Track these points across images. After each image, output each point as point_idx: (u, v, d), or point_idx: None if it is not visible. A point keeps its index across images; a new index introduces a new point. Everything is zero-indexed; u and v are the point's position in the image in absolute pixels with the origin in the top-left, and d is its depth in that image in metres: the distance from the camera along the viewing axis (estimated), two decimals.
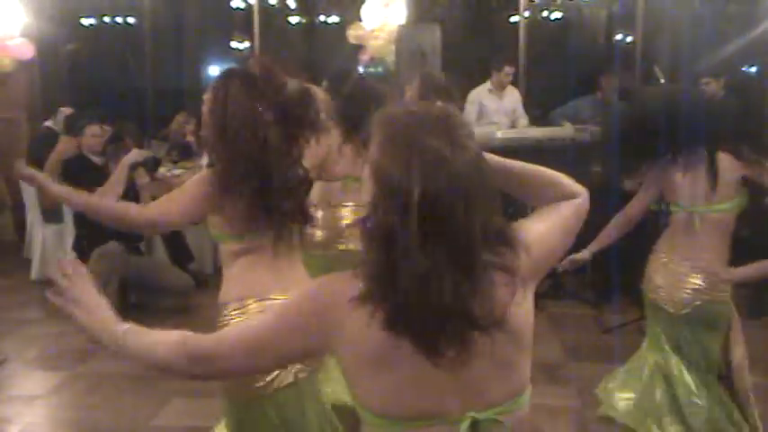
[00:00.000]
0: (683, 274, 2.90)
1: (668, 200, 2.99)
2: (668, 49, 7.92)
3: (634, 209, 3.03)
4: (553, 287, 5.79)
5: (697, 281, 2.89)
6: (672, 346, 2.99)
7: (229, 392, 2.19)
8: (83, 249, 5.11)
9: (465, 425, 1.27)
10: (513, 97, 6.69)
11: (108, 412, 3.84)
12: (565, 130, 6.13)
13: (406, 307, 1.17)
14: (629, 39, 8.08)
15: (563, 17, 8.45)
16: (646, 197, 3.02)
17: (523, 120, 6.67)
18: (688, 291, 2.90)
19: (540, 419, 3.81)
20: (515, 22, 7.84)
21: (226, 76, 2.12)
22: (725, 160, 2.96)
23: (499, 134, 6.10)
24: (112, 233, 4.88)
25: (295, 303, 1.35)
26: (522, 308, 1.31)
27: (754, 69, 7.80)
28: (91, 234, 5.02)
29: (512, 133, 6.23)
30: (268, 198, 2.11)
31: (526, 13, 7.78)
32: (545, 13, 8.40)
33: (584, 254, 3.04)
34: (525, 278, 1.31)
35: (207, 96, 2.13)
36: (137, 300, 5.47)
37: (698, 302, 2.89)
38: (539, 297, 4.81)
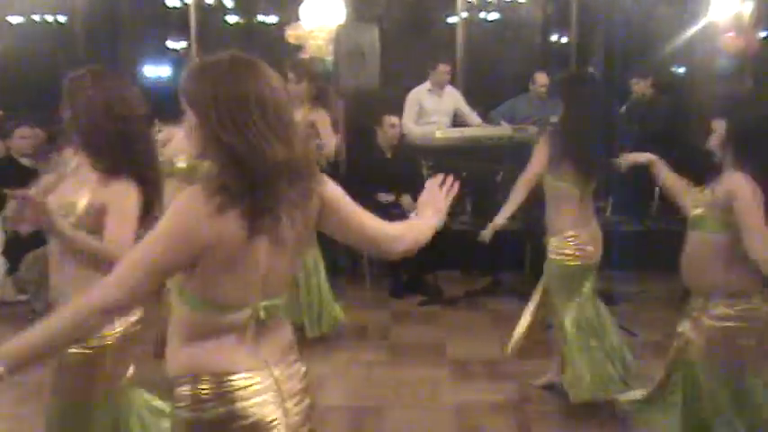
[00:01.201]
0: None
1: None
2: (602, 50, 8.11)
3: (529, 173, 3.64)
4: (492, 284, 5.86)
5: None
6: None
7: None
8: (14, 254, 4.96)
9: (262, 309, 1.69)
10: (452, 97, 6.74)
11: (39, 424, 3.72)
12: (504, 130, 6.22)
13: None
14: (564, 39, 8.24)
15: (500, 18, 8.55)
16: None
17: (474, 118, 6.70)
18: None
19: (480, 415, 3.86)
20: (454, 23, 7.92)
21: None
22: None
23: (438, 134, 6.15)
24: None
25: (167, 226, 1.61)
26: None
27: (682, 70, 8.04)
28: (23, 237, 4.87)
29: (451, 133, 6.29)
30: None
31: (464, 14, 7.86)
32: (482, 14, 8.49)
33: (498, 219, 3.70)
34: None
35: None
36: None
37: None
38: (478, 294, 4.90)
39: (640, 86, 6.69)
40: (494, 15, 8.53)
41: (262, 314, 1.67)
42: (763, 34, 7.16)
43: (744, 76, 7.02)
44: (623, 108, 6.62)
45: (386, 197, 5.77)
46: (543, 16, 8.59)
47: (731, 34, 6.68)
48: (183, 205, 1.58)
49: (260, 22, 8.76)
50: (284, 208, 1.61)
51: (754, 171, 2.62)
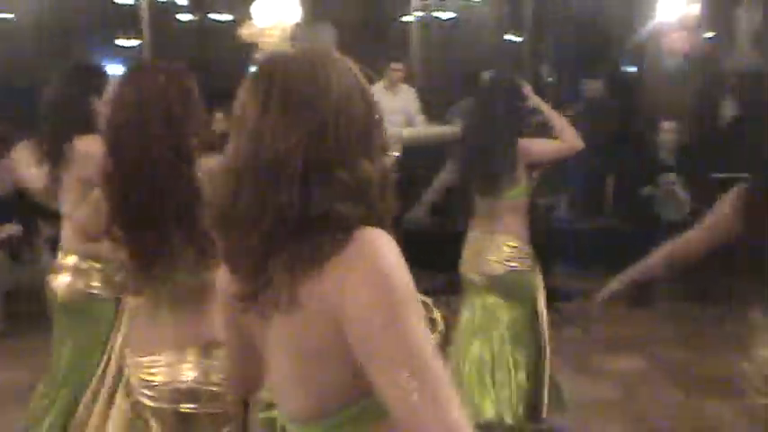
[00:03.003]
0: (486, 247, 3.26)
1: None
2: (554, 50, 8.22)
3: None
4: (450, 283, 5.88)
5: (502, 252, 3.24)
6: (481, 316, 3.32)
7: None
8: None
9: None
10: (406, 96, 6.76)
11: None
12: (449, 129, 6.27)
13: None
14: (518, 39, 8.32)
15: (455, 17, 8.60)
16: None
17: (419, 118, 6.74)
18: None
19: None
20: (408, 22, 7.94)
21: None
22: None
23: (405, 133, 6.17)
24: None
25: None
26: None
27: (633, 69, 8.18)
28: None
29: (407, 132, 6.30)
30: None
31: (418, 13, 7.89)
32: (437, 13, 8.53)
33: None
34: None
35: None
36: (23, 309, 5.21)
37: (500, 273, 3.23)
38: (437, 293, 4.84)
39: (593, 86, 6.80)
40: (448, 15, 8.57)
41: None
42: (708, 35, 7.34)
43: (691, 76, 7.18)
44: (575, 108, 6.71)
45: None
46: (497, 16, 8.66)
47: (678, 35, 6.83)
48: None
49: (214, 21, 8.66)
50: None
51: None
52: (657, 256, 2.56)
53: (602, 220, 6.48)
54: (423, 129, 6.50)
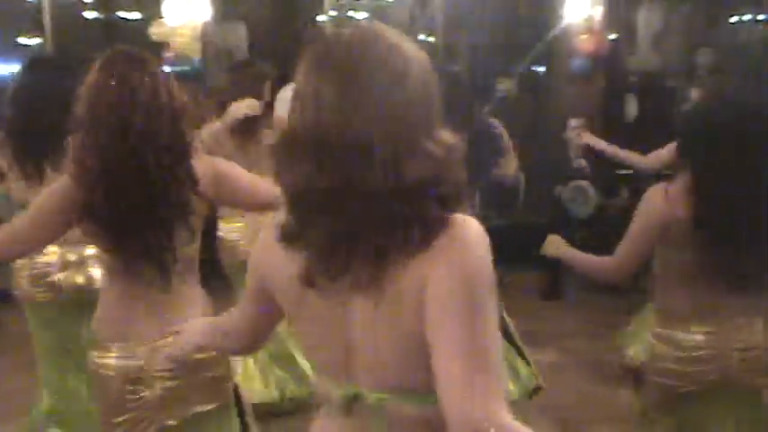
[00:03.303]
0: None
1: None
2: (467, 50, 8.35)
3: None
4: None
5: None
6: None
7: None
8: None
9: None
10: None
11: None
12: None
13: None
14: (431, 39, 8.42)
15: (369, 17, 8.63)
16: None
17: None
18: None
19: None
20: (322, 22, 7.91)
21: None
22: None
23: None
24: None
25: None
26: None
27: (542, 69, 8.41)
28: None
29: None
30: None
31: (332, 13, 7.87)
32: (351, 13, 8.54)
33: None
34: None
35: None
36: None
37: None
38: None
39: (505, 85, 6.95)
40: (362, 15, 8.60)
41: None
42: (612, 36, 7.61)
43: (596, 75, 7.43)
44: (487, 107, 6.84)
45: None
46: (411, 16, 8.74)
47: (584, 36, 7.06)
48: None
49: (121, 19, 8.42)
50: None
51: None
52: (599, 265, 2.53)
53: (515, 216, 6.63)
54: None
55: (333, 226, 1.11)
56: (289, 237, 1.17)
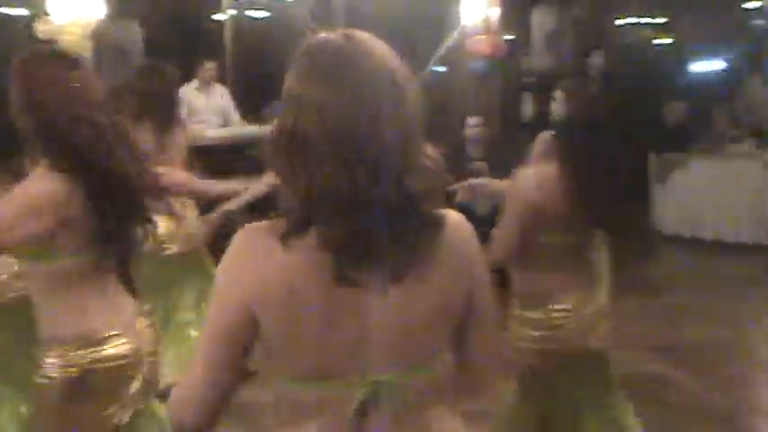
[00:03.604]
0: None
1: None
2: None
3: None
4: None
5: None
6: None
7: None
8: None
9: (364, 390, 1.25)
10: (221, 95, 6.64)
11: None
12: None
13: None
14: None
15: (269, 16, 8.55)
16: None
17: (235, 117, 6.66)
18: None
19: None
20: (220, 20, 7.79)
21: None
22: None
23: (211, 133, 6.02)
24: None
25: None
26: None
27: (442, 69, 8.55)
28: None
29: (224, 132, 6.19)
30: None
31: (230, 11, 7.76)
32: (250, 12, 8.44)
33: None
34: None
35: None
36: None
37: None
38: None
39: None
40: (262, 13, 8.51)
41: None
42: (508, 37, 7.82)
43: (493, 75, 7.63)
44: None
45: None
46: (310, 15, 8.72)
47: (481, 37, 7.23)
48: None
49: (4, 15, 8.02)
50: None
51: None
52: None
53: None
54: (241, 129, 6.40)
55: (352, 226, 1.17)
56: (297, 234, 1.20)
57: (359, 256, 1.18)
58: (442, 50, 7.55)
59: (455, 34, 7.44)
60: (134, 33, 6.32)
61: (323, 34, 1.25)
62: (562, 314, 2.48)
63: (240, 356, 1.27)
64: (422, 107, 1.25)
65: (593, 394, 2.55)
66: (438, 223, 1.25)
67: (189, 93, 6.43)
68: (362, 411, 1.24)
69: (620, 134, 2.61)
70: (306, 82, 1.20)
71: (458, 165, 6.18)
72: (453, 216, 1.31)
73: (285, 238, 1.19)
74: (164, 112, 3.66)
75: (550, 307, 2.48)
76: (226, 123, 6.55)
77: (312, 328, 1.23)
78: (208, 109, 6.47)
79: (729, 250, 6.88)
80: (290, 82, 1.22)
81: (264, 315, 1.23)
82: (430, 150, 1.28)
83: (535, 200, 2.43)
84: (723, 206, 7.10)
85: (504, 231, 2.48)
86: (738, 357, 3.39)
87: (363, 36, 1.24)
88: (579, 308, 2.50)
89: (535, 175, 2.50)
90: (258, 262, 1.22)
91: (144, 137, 3.56)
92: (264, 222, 1.25)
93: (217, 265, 1.32)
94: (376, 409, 1.25)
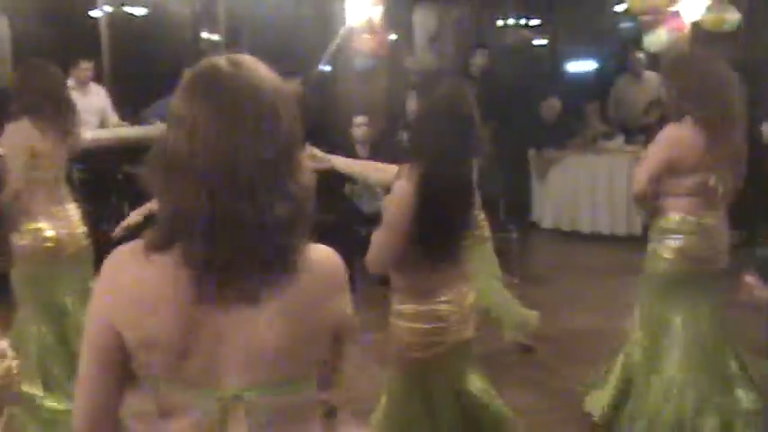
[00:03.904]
0: None
1: None
2: (251, 48, 8.30)
3: None
4: None
5: None
6: None
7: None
8: None
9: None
10: (99, 95, 6.39)
11: None
12: (157, 129, 6.06)
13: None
14: (216, 37, 8.25)
15: (148, 13, 8.28)
16: None
17: (113, 118, 6.43)
18: None
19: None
20: (96, 17, 7.49)
21: None
22: None
23: (89, 135, 5.79)
24: None
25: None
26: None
27: (328, 69, 8.56)
28: None
29: (103, 133, 5.96)
30: None
31: (107, 8, 7.47)
32: (128, 9, 8.15)
33: None
34: None
35: None
36: None
37: None
38: None
39: (289, 84, 6.99)
40: (141, 10, 8.23)
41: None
42: (392, 36, 7.92)
43: (379, 74, 7.70)
44: None
45: None
46: (192, 13, 8.51)
47: (366, 36, 7.28)
48: None
49: None
50: None
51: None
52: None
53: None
54: (122, 130, 6.19)
55: (210, 245, 1.20)
56: (160, 250, 1.24)
57: (217, 275, 1.22)
58: (330, 50, 7.56)
59: (341, 34, 7.46)
60: (1, 30, 5.97)
61: (212, 58, 1.33)
62: (446, 306, 2.57)
63: (114, 367, 1.31)
64: (300, 129, 1.30)
65: (467, 379, 2.67)
66: (300, 251, 1.28)
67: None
68: (223, 424, 1.28)
69: (470, 129, 2.67)
70: (182, 100, 1.25)
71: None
72: (320, 248, 1.37)
73: (147, 252, 1.24)
74: (52, 111, 3.57)
75: (435, 300, 2.57)
76: (104, 124, 6.32)
77: (169, 341, 1.26)
78: (85, 109, 6.21)
79: (605, 242, 7.24)
80: (173, 100, 1.27)
81: (122, 328, 1.27)
82: (307, 174, 1.30)
83: (410, 206, 2.48)
84: (598, 200, 7.46)
85: (382, 237, 2.54)
86: (618, 343, 3.57)
87: (248, 61, 1.31)
88: (459, 300, 2.61)
89: (406, 182, 2.53)
90: (117, 277, 1.28)
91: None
92: (137, 240, 1.28)
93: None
94: (236, 423, 1.28)
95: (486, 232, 4.41)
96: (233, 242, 1.20)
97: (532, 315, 4.47)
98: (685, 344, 3.28)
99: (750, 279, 2.62)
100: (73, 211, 3.76)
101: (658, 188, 3.25)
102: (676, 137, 3.18)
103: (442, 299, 2.57)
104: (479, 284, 4.36)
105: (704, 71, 3.17)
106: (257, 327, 1.27)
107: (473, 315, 2.67)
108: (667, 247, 3.27)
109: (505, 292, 4.51)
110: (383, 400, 2.74)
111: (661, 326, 3.33)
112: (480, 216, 4.40)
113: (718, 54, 3.50)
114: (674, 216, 3.25)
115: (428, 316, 2.57)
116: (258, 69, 1.29)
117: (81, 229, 3.76)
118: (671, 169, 3.19)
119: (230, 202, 1.19)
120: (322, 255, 1.37)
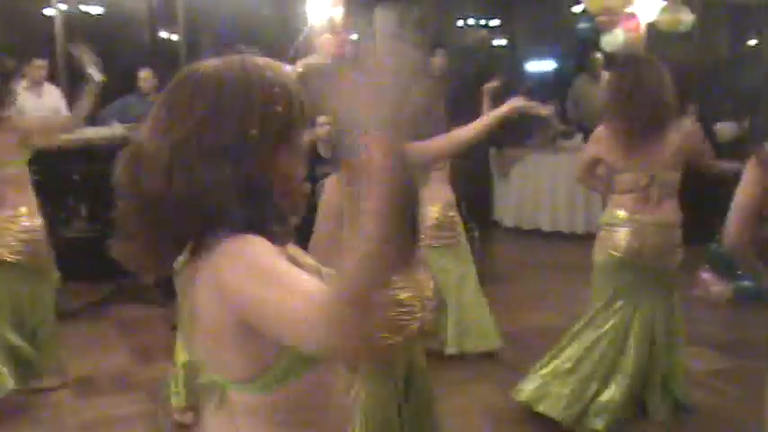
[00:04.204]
0: None
1: None
2: (210, 47, 8.22)
3: None
4: (117, 291, 5.60)
5: None
6: None
7: None
8: None
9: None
10: (53, 95, 6.28)
11: None
12: (115, 130, 5.97)
13: None
14: (174, 36, 8.15)
15: (104, 12, 8.15)
16: None
17: None
18: None
19: (112, 429, 3.69)
20: (51, 16, 7.35)
21: None
22: None
23: (89, 132, 5.72)
24: None
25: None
26: None
27: (290, 68, 8.53)
28: None
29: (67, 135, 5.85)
30: None
31: (62, 6, 7.34)
32: (83, 7, 8.01)
33: None
34: None
35: None
36: None
37: None
38: (100, 303, 4.70)
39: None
40: (97, 9, 8.10)
41: None
42: (354, 36, 7.91)
43: (343, 74, 7.68)
44: None
45: None
46: (149, 12, 8.40)
47: (328, 36, 7.26)
48: None
49: None
50: None
51: None
52: None
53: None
54: (86, 131, 6.08)
55: (140, 225, 1.31)
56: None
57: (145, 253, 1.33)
58: (292, 51, 7.52)
59: (303, 34, 7.42)
60: None
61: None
62: (412, 299, 2.57)
63: None
64: (231, 126, 1.35)
65: (423, 370, 2.71)
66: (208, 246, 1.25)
67: (18, 93, 6.03)
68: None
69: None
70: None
71: (310, 163, 6.18)
72: (226, 243, 1.25)
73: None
74: None
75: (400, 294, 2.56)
76: None
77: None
78: (39, 109, 6.09)
79: (565, 240, 7.33)
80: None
81: None
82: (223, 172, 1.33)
83: (338, 204, 2.54)
84: (558, 198, 7.55)
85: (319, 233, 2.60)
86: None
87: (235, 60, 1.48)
88: (422, 293, 2.62)
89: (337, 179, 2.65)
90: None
91: None
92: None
93: None
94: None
95: (461, 231, 4.45)
96: (150, 219, 1.33)
97: (494, 334, 4.45)
98: (635, 340, 3.46)
99: (706, 275, 2.69)
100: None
101: (609, 184, 3.54)
102: (598, 137, 3.51)
103: (406, 294, 2.56)
104: (452, 283, 4.39)
105: (634, 78, 3.30)
106: (187, 317, 1.32)
107: (430, 304, 2.67)
108: (603, 239, 3.51)
109: (479, 294, 4.51)
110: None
111: (610, 311, 3.51)
112: (455, 216, 4.44)
113: (663, 56, 3.60)
114: (612, 210, 3.50)
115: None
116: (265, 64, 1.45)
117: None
118: (608, 166, 3.47)
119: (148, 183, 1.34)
120: (225, 247, 1.26)
